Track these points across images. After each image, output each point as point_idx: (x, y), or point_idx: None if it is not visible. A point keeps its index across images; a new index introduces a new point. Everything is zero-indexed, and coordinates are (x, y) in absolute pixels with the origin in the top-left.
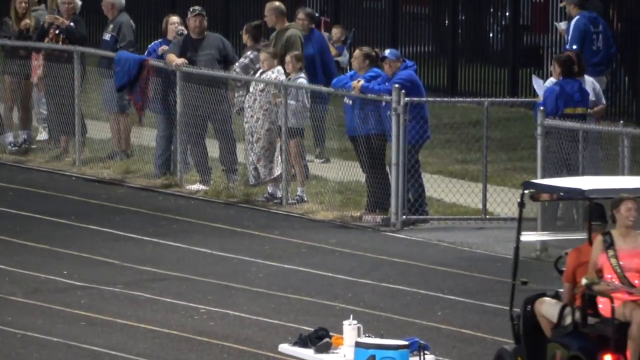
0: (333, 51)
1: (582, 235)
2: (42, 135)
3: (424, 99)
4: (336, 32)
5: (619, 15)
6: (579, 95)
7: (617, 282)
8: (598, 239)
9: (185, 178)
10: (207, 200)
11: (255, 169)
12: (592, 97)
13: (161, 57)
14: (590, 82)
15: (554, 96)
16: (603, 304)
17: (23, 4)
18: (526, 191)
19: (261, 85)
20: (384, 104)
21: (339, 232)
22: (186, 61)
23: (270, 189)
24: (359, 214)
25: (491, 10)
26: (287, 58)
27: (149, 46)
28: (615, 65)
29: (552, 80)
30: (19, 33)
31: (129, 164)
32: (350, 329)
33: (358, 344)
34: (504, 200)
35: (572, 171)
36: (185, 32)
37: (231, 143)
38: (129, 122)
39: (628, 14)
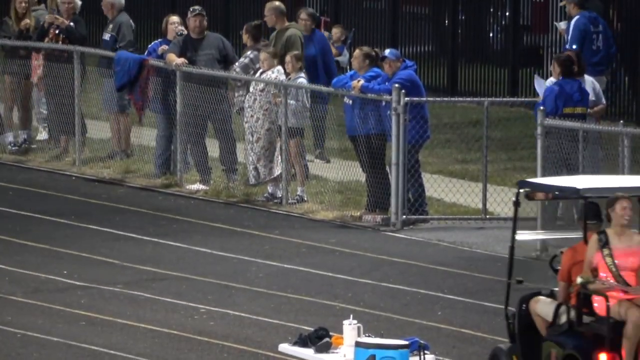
0: (333, 51)
1: (579, 234)
2: (42, 135)
3: (424, 98)
4: (336, 32)
5: (619, 15)
6: (579, 95)
7: (612, 281)
8: (593, 238)
9: (185, 178)
10: (207, 200)
11: (255, 168)
12: (592, 97)
13: (161, 56)
14: (590, 82)
15: (553, 96)
16: (598, 303)
17: (23, 4)
18: (521, 190)
19: (261, 85)
20: (384, 103)
21: (339, 232)
22: (186, 61)
23: (270, 188)
24: (359, 213)
25: (491, 10)
26: (287, 58)
27: (149, 46)
28: (615, 65)
29: (552, 80)
30: (19, 33)
31: (129, 163)
32: (350, 329)
33: (358, 344)
34: (504, 200)
35: (572, 171)
36: (185, 32)
37: (231, 143)
38: (129, 121)
39: (628, 14)
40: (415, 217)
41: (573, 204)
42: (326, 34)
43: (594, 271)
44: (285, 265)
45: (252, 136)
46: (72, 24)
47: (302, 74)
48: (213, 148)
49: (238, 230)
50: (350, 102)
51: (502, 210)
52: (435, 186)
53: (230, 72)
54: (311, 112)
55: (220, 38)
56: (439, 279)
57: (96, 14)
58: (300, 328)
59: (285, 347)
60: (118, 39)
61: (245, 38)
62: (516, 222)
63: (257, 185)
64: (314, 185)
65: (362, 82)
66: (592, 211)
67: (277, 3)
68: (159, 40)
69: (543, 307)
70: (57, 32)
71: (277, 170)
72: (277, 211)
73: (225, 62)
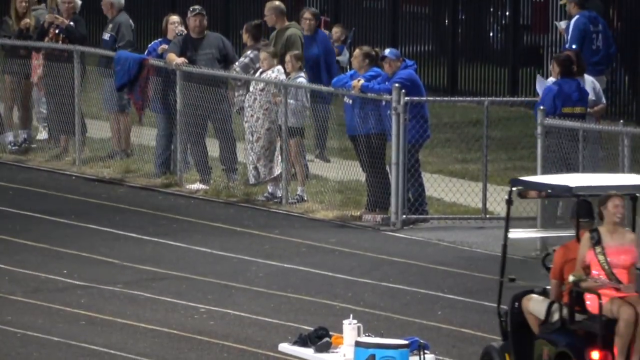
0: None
1: (572, 233)
2: (42, 135)
3: (424, 98)
4: (336, 31)
5: (619, 15)
6: (578, 94)
7: (604, 279)
8: (585, 236)
9: (185, 177)
10: (207, 199)
11: (256, 168)
12: (592, 97)
13: (161, 56)
14: (590, 82)
15: (551, 95)
16: (590, 301)
17: (23, 4)
18: (514, 188)
19: (261, 85)
20: (384, 103)
21: (339, 232)
22: (186, 60)
23: (270, 188)
24: (359, 213)
25: (491, 9)
26: (287, 57)
27: (149, 45)
28: (615, 65)
29: (552, 79)
30: (19, 32)
31: (129, 163)
32: (350, 329)
33: (358, 344)
34: (504, 200)
35: (572, 170)
36: (185, 32)
37: (231, 142)
38: (129, 121)
39: (628, 14)
40: (415, 216)
41: (570, 202)
42: (326, 32)
43: (587, 269)
44: (285, 265)
45: (252, 136)
46: (72, 23)
47: (302, 74)
48: (213, 148)
49: (238, 229)
50: (350, 101)
51: (502, 210)
52: (435, 186)
53: (230, 72)
54: (314, 113)
55: (220, 38)
56: (439, 279)
57: (96, 13)
58: (300, 328)
59: (285, 347)
60: (117, 38)
61: (245, 37)
62: (509, 221)
63: (257, 185)
64: (314, 185)
65: (362, 81)
66: (585, 209)
67: (277, 3)
68: (159, 39)
69: (535, 305)
70: (57, 31)
71: (277, 170)
72: (277, 211)
73: (226, 61)
